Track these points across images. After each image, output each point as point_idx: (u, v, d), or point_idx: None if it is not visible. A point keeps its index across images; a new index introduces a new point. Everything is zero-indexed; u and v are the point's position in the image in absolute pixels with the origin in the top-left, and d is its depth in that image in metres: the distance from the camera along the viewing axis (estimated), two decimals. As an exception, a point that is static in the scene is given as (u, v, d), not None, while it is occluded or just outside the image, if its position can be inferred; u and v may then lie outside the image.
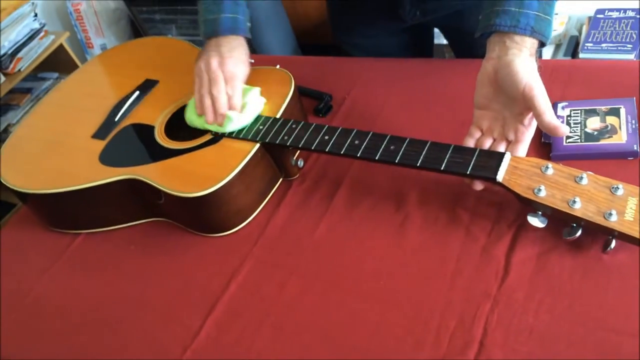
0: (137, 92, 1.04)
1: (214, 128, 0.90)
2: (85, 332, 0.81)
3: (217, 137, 0.89)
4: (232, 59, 0.91)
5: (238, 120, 0.89)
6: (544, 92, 0.70)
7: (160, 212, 0.91)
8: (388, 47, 1.16)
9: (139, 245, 0.90)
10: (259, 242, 0.84)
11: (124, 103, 1.02)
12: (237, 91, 0.90)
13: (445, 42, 1.22)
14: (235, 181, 0.82)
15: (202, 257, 0.85)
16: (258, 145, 0.86)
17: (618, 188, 0.67)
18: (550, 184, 0.70)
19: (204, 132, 0.91)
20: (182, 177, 0.85)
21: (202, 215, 0.86)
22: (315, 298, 0.75)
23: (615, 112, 0.81)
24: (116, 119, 1.00)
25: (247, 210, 0.87)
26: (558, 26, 1.87)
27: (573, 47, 1.88)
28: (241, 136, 0.87)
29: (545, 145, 0.83)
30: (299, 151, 0.92)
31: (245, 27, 0.95)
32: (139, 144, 0.95)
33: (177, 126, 0.98)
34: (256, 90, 0.93)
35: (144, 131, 0.96)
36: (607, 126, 0.80)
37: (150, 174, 0.86)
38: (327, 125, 0.85)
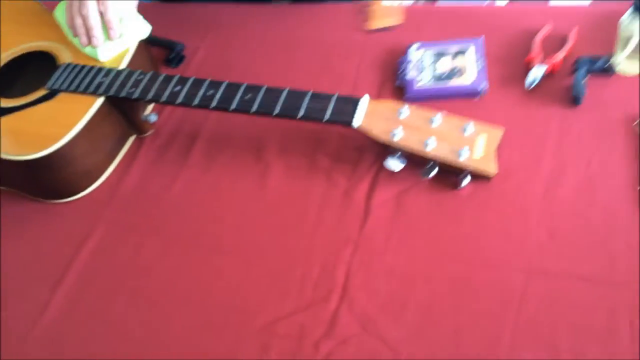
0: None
1: (90, 52, 0.85)
2: None
3: (53, 92, 0.80)
4: None
5: (114, 44, 0.84)
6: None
7: (-6, 181, 0.82)
8: None
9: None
10: (111, 205, 0.78)
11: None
12: (109, 8, 0.83)
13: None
14: (78, 140, 0.75)
15: (47, 226, 0.78)
16: (102, 99, 0.78)
17: (468, 126, 0.69)
18: (406, 126, 0.70)
19: (38, 86, 0.82)
20: (15, 137, 0.76)
21: (43, 180, 0.78)
22: (175, 258, 0.72)
23: (464, 53, 0.83)
24: None
25: (95, 171, 0.81)
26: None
27: (431, -5, 1.93)
28: (80, 90, 0.79)
29: (400, 89, 0.83)
30: (151, 105, 0.86)
31: None
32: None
33: (8, 81, 0.87)
34: (137, 15, 0.88)
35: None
36: (455, 67, 0.82)
37: (-24, 137, 0.76)
38: (178, 76, 0.79)
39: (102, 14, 0.83)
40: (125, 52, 0.84)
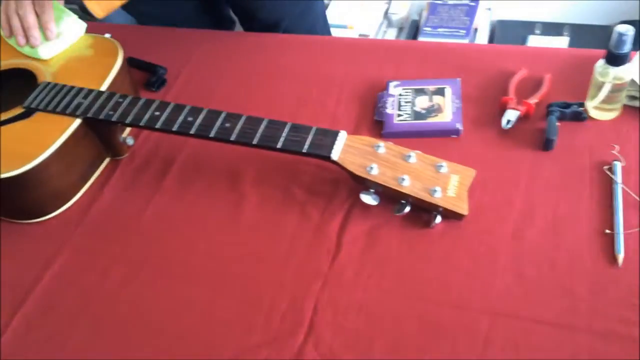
0: None
1: (29, 52, 0.88)
2: None
3: (30, 111, 0.80)
4: None
5: (53, 43, 0.88)
6: None
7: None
8: (179, 15, 1.16)
9: None
10: (79, 228, 0.77)
11: None
12: (46, 9, 0.87)
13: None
14: (52, 160, 0.74)
15: (12, 246, 0.76)
16: (79, 120, 0.78)
17: (442, 166, 0.70)
18: (382, 162, 0.71)
19: (16, 104, 0.81)
20: (-14, 155, 0.75)
21: (12, 199, 0.76)
22: (140, 286, 0.70)
23: (441, 92, 0.84)
24: None
25: (67, 193, 0.79)
26: (401, 9, 1.94)
27: (414, 31, 1.96)
28: (58, 110, 0.78)
29: (378, 123, 0.84)
30: (128, 128, 0.85)
31: None
32: None
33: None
34: (72, 14, 0.91)
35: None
36: (433, 105, 0.83)
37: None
38: (158, 100, 0.79)
39: (38, 15, 0.87)
40: (106, 75, 0.84)
